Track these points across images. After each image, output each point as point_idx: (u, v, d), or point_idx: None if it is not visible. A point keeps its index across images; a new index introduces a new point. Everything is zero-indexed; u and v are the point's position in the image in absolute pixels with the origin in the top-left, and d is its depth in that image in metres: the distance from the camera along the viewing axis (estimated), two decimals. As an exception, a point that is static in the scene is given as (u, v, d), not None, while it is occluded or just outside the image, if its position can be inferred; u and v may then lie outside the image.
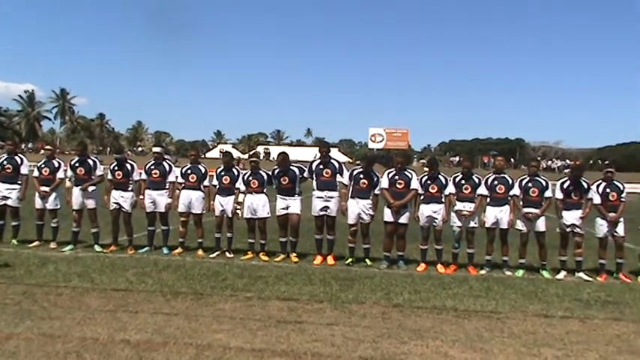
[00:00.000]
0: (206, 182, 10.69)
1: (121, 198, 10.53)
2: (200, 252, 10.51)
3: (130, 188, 10.64)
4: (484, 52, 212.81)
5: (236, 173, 10.62)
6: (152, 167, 10.68)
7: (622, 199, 9.68)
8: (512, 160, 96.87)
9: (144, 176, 10.71)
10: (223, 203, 10.47)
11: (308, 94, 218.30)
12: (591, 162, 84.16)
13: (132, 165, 10.72)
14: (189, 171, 10.69)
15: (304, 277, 8.71)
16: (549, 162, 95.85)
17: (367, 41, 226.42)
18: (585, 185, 9.77)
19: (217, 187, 10.57)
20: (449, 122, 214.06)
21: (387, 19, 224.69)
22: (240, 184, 10.49)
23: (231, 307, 6.92)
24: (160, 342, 5.56)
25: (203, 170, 10.74)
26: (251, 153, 12.95)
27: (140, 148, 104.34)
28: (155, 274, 8.65)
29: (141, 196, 10.64)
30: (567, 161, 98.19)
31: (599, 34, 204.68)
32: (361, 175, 10.07)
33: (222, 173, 10.58)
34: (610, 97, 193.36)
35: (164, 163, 10.75)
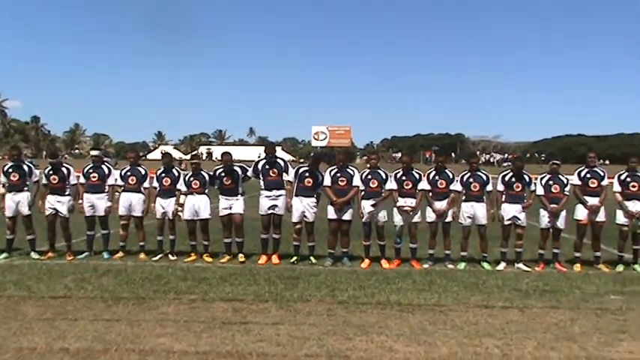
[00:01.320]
0: (146, 184, 10.47)
1: (58, 203, 10.19)
2: (142, 255, 10.29)
3: (67, 193, 10.31)
4: (424, 50, 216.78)
5: (177, 174, 10.45)
6: (90, 170, 10.38)
7: (565, 192, 9.97)
8: (453, 154, 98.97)
9: (82, 180, 10.40)
10: (164, 205, 10.28)
11: (250, 93, 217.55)
12: (528, 155, 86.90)
13: (68, 169, 10.39)
14: (128, 173, 10.45)
15: (249, 277, 8.65)
16: (488, 156, 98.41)
17: (308, 39, 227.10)
18: (527, 178, 10.04)
19: (158, 189, 10.38)
20: (391, 119, 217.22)
21: (327, 16, 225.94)
22: (181, 185, 10.34)
23: (174, 311, 6.81)
24: (101, 349, 5.42)
25: (143, 172, 10.52)
26: (192, 154, 12.70)
27: (78, 151, 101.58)
28: (95, 279, 8.43)
29: (79, 201, 10.33)
30: (506, 155, 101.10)
31: (533, 31, 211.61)
32: (306, 174, 10.07)
33: (163, 175, 10.40)
34: (545, 91, 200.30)
35: (102, 166, 10.47)
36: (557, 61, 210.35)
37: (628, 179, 9.89)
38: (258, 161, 10.43)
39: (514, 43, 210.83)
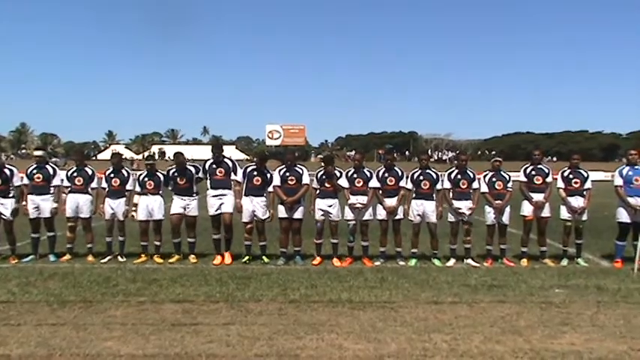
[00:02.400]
0: (94, 185, 10.25)
1: (1, 205, 9.88)
2: (90, 257, 10.06)
3: (10, 195, 9.99)
4: (377, 48, 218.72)
5: (126, 175, 10.26)
6: (34, 171, 10.08)
7: (508, 189, 10.20)
8: (406, 152, 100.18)
9: (25, 181, 10.10)
10: (113, 206, 10.08)
11: (204, 92, 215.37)
12: (479, 152, 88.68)
13: (11, 170, 10.06)
14: (75, 174, 10.19)
15: (200, 278, 8.57)
16: (440, 153, 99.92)
17: (262, 38, 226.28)
18: (471, 174, 10.23)
19: (107, 189, 10.17)
20: (345, 117, 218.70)
21: (280, 15, 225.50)
22: (130, 185, 10.19)
23: (122, 313, 6.69)
24: (44, 355, 5.29)
25: (90, 173, 10.27)
26: (146, 155, 12.48)
27: (25, 152, 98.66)
28: (40, 283, 8.21)
29: (23, 202, 10.03)
30: (457, 152, 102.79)
31: (483, 30, 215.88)
32: (255, 173, 10.03)
33: (112, 175, 10.20)
34: (496, 90, 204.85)
35: (47, 166, 10.19)
36: (507, 61, 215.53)
37: (571, 176, 10.19)
38: (207, 160, 10.34)
39: (465, 43, 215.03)
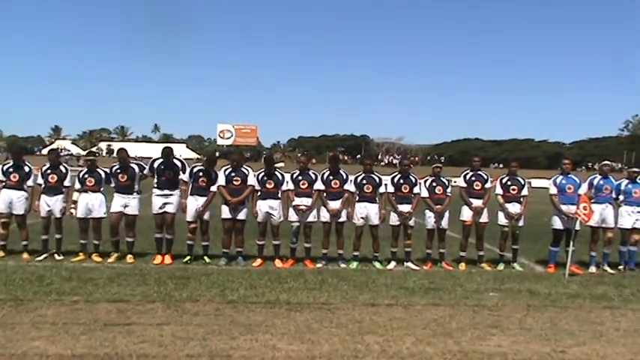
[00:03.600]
0: (30, 182, 9.98)
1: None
2: (25, 255, 9.79)
3: None
4: (330, 51, 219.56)
5: (64, 171, 10.03)
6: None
7: (448, 194, 10.41)
8: (358, 155, 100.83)
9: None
10: (50, 203, 9.83)
11: (155, 89, 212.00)
12: (428, 157, 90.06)
13: None
14: (10, 170, 9.90)
15: (138, 278, 8.45)
16: (391, 157, 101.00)
17: (212, 35, 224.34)
18: (413, 179, 10.40)
19: (43, 186, 9.92)
20: (298, 119, 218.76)
21: (233, 14, 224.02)
22: (68, 182, 9.99)
23: (54, 313, 6.54)
24: (-34, 355, 5.13)
25: (27, 169, 10.01)
26: (88, 151, 12.17)
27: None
28: (-30, 281, 7.94)
29: None
30: (401, 157, 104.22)
31: (438, 37, 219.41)
32: (200, 173, 9.97)
33: (49, 171, 9.95)
34: (447, 96, 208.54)
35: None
36: (459, 67, 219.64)
37: (509, 182, 10.49)
38: (155, 160, 10.21)
39: (419, 48, 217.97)
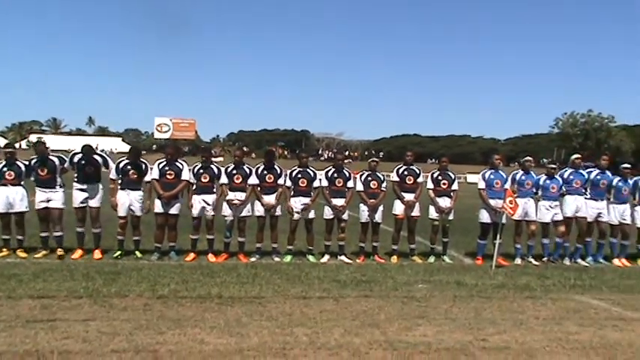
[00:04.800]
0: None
1: None
2: (-58, 252, 9.38)
3: None
4: (271, 44, 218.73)
5: None
6: None
7: (382, 188, 10.57)
8: (298, 150, 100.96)
9: None
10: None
11: (90, 80, 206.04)
12: (366, 153, 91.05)
13: None
14: None
15: (65, 273, 8.24)
16: (331, 153, 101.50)
17: (150, 25, 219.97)
18: (347, 173, 10.52)
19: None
20: (238, 113, 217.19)
21: (173, 4, 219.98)
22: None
23: (-27, 310, 6.31)
24: None
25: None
26: (6, 143, 11.63)
27: None
28: None
29: None
30: (347, 152, 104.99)
31: (376, 34, 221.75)
32: (129, 167, 9.79)
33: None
34: (386, 92, 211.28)
35: None
36: (400, 65, 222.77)
37: (439, 177, 10.76)
38: (76, 153, 9.94)
39: (361, 45, 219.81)
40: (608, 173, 11.18)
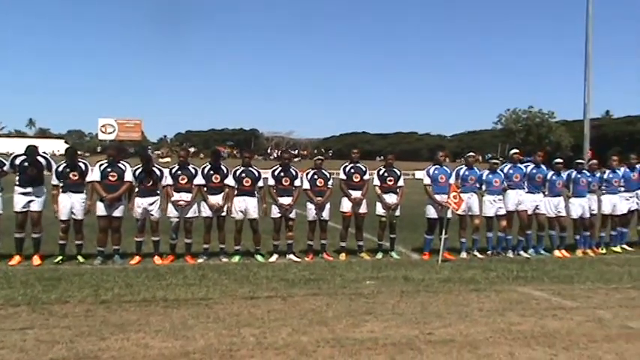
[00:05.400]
0: None
1: None
2: None
3: None
4: (219, 43, 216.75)
5: None
6: None
7: (329, 186, 10.59)
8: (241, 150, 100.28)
9: None
10: None
11: (31, 81, 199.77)
12: (316, 151, 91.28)
13: None
14: None
15: (2, 281, 7.94)
16: (280, 152, 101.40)
17: (92, 25, 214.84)
18: (294, 172, 10.49)
19: None
20: (186, 113, 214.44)
21: (109, 2, 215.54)
22: None
23: None
24: None
25: None
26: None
27: None
28: None
29: None
30: (297, 151, 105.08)
31: (326, 32, 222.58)
32: (68, 169, 9.54)
33: None
34: (336, 90, 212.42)
35: None
36: (350, 63, 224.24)
37: (386, 174, 10.85)
38: (17, 156, 9.61)
39: (311, 43, 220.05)
40: (543, 167, 11.54)
